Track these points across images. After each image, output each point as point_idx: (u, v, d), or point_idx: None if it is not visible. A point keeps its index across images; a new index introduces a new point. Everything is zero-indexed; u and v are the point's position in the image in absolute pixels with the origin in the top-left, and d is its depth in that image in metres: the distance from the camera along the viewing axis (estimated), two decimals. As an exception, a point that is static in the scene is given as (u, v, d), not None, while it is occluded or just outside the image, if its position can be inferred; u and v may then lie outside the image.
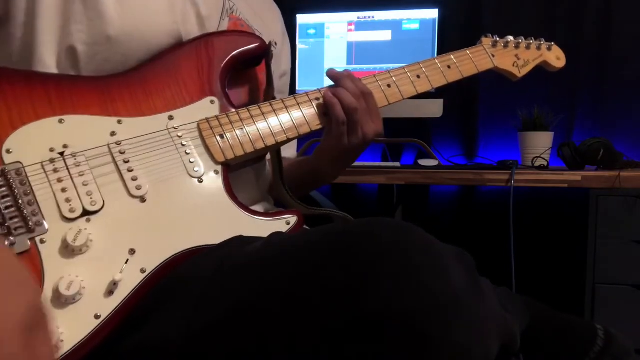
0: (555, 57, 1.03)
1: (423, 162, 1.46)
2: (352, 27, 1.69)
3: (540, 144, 1.52)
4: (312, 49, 1.70)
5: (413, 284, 0.46)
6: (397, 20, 1.66)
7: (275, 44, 0.90)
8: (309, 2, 1.74)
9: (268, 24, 0.90)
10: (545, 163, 1.45)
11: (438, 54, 1.62)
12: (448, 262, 0.49)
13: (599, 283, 1.24)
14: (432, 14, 1.64)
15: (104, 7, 0.66)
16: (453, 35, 1.77)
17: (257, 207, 0.79)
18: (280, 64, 0.92)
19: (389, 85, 0.83)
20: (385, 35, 1.66)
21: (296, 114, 0.75)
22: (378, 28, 1.67)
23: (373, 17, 1.67)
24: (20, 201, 0.58)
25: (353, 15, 1.68)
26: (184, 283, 0.59)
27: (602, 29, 1.69)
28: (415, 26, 1.65)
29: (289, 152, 0.98)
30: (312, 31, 1.69)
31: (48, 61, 0.67)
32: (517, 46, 0.98)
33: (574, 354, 0.76)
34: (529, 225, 1.64)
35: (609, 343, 0.76)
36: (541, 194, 1.71)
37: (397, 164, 1.44)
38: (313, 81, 1.68)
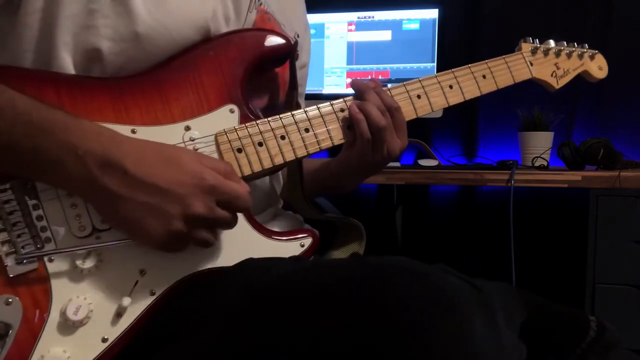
0: (598, 67, 0.97)
1: (423, 162, 1.46)
2: (352, 27, 1.69)
3: (540, 144, 1.52)
4: (312, 49, 1.68)
5: (438, 340, 0.47)
6: (397, 20, 1.66)
7: (298, 35, 0.86)
8: (309, 2, 1.74)
9: (291, 15, 0.85)
10: (545, 163, 1.45)
11: (438, 54, 1.64)
12: (471, 313, 0.49)
13: (599, 283, 1.24)
14: (432, 14, 1.64)
15: (133, 2, 0.62)
16: (453, 35, 1.77)
17: (267, 213, 0.78)
18: (300, 56, 0.86)
19: (418, 97, 0.77)
20: (385, 35, 1.66)
21: (319, 127, 0.70)
22: (378, 28, 1.67)
23: (373, 17, 1.67)
24: (28, 217, 0.56)
25: (353, 15, 1.68)
26: (201, 315, 0.58)
27: (602, 28, 1.69)
28: (415, 26, 1.65)
29: None
30: (312, 31, 1.69)
31: (66, 58, 0.62)
32: (557, 54, 0.91)
33: (567, 345, 0.77)
34: (529, 226, 1.64)
35: (601, 334, 0.77)
36: (541, 194, 1.71)
37: (397, 164, 1.44)
38: (313, 81, 1.68)
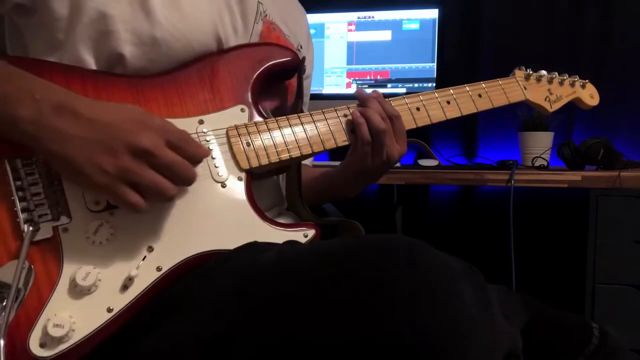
0: (589, 96, 1.02)
1: (423, 162, 1.46)
2: (352, 27, 1.69)
3: (540, 144, 1.52)
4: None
5: (429, 309, 0.48)
6: (397, 20, 1.66)
7: (301, 47, 0.91)
8: (309, 2, 1.74)
9: (294, 27, 0.90)
10: (545, 163, 1.45)
11: (438, 54, 1.64)
12: (462, 286, 0.51)
13: (599, 283, 1.24)
14: (432, 14, 1.64)
15: (152, 8, 0.66)
16: (453, 35, 1.77)
17: (273, 211, 0.80)
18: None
19: (417, 109, 0.83)
20: (385, 35, 1.66)
21: (323, 128, 0.76)
22: (378, 28, 1.67)
23: (373, 17, 1.67)
24: (48, 189, 0.60)
25: (353, 15, 1.68)
26: (197, 292, 0.60)
27: (603, 29, 1.69)
28: (415, 26, 1.65)
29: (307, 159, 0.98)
30: (312, 31, 1.69)
31: (90, 62, 0.66)
32: (550, 81, 0.98)
33: (569, 352, 0.76)
34: (529, 226, 1.64)
35: (604, 341, 0.76)
36: (541, 194, 1.71)
37: (397, 164, 1.44)
38: (313, 81, 1.67)
